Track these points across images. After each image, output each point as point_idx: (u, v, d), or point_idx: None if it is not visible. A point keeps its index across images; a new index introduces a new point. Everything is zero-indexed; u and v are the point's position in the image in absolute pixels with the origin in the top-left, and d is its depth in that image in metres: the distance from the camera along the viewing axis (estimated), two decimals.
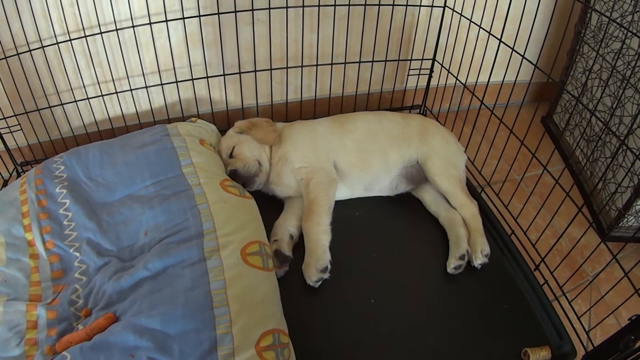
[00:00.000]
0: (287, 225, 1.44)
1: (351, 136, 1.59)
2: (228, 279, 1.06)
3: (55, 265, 1.21)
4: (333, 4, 1.72)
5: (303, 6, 1.72)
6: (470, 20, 1.67)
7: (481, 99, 1.63)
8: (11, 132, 1.64)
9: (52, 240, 1.24)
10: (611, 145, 1.69)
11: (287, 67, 1.84)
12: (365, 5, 1.75)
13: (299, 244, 1.41)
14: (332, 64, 1.87)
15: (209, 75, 1.77)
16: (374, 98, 2.09)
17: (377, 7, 1.79)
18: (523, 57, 1.43)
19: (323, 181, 1.47)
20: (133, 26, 1.58)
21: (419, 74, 2.03)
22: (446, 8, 1.85)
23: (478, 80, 1.68)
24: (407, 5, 1.83)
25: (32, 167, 1.52)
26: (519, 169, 1.84)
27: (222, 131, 1.72)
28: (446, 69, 1.89)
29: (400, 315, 1.27)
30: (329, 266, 1.32)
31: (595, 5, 1.83)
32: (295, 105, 2.01)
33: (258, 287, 1.09)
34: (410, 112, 2.11)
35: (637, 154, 1.50)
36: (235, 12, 1.62)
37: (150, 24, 1.58)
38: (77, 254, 1.22)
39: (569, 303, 1.31)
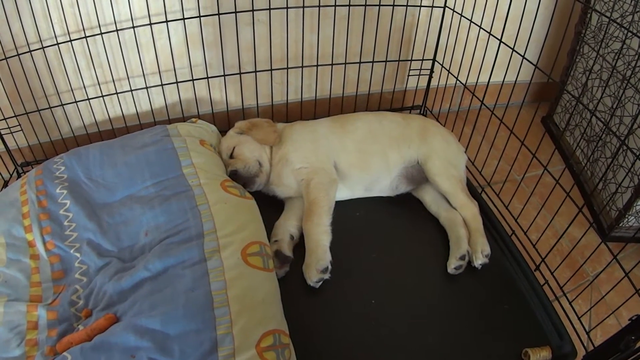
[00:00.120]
0: (287, 225, 1.44)
1: (351, 137, 1.59)
2: (228, 279, 1.06)
3: (56, 265, 1.21)
4: (333, 4, 1.72)
5: (303, 7, 1.72)
6: (471, 21, 1.67)
7: (481, 100, 1.63)
8: (11, 132, 1.64)
9: (53, 241, 1.24)
10: (611, 145, 1.69)
11: (287, 68, 1.84)
12: (365, 5, 1.75)
13: (300, 245, 1.41)
14: (332, 64, 1.87)
15: (209, 76, 1.77)
16: (374, 98, 2.09)
17: (378, 7, 1.79)
18: (523, 57, 1.43)
19: (323, 182, 1.47)
20: (133, 27, 1.58)
21: (419, 75, 2.03)
22: (446, 8, 1.85)
23: (478, 81, 1.68)
24: (407, 5, 1.83)
25: (32, 168, 1.53)
26: (520, 169, 1.84)
27: (223, 132, 1.72)
28: (446, 69, 1.89)
29: (401, 316, 1.27)
30: (330, 267, 1.32)
31: (596, 5, 1.83)
32: (296, 105, 2.01)
33: (258, 287, 1.09)
34: (410, 113, 2.11)
35: (638, 154, 1.50)
36: (236, 12, 1.62)
37: (150, 24, 1.58)
38: (78, 255, 1.22)
39: (570, 303, 1.31)
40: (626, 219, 1.57)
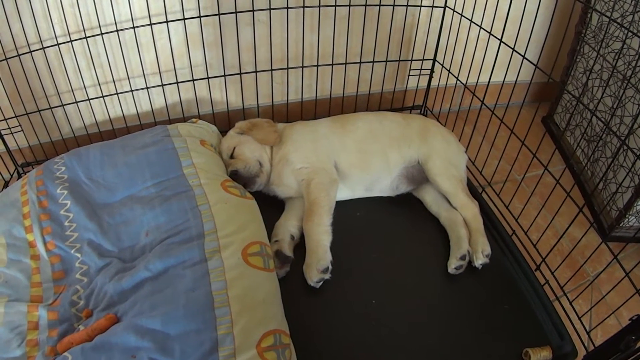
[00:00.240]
0: (288, 225, 1.44)
1: (352, 136, 1.60)
2: (229, 279, 1.06)
3: (56, 266, 1.21)
4: (334, 4, 1.72)
5: (304, 7, 1.72)
6: (471, 21, 1.67)
7: (482, 100, 1.63)
8: (12, 133, 1.65)
9: (53, 241, 1.24)
10: (612, 145, 1.69)
11: (287, 68, 1.84)
12: (365, 5, 1.75)
13: (300, 245, 1.41)
14: (332, 64, 1.87)
15: (209, 76, 1.77)
16: (375, 98, 2.09)
17: (378, 7, 1.79)
18: (524, 57, 1.43)
19: (324, 182, 1.47)
20: (134, 27, 1.58)
21: (419, 75, 2.03)
22: (447, 8, 1.85)
23: (479, 81, 1.67)
24: (407, 5, 1.83)
25: (33, 168, 1.53)
26: (520, 169, 1.84)
27: (223, 132, 1.72)
28: (447, 69, 1.89)
29: (401, 316, 1.27)
30: (330, 267, 1.32)
31: (596, 5, 1.83)
32: (296, 105, 2.01)
33: (259, 287, 1.09)
34: (411, 113, 2.11)
35: (638, 154, 1.50)
36: (236, 12, 1.62)
37: (150, 24, 1.58)
38: (78, 255, 1.22)
39: (570, 303, 1.31)
40: (626, 219, 1.57)
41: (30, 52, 1.53)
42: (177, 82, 1.74)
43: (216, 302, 1.01)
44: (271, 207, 1.52)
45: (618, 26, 1.68)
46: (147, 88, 1.73)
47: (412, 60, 2.01)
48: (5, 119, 1.62)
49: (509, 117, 1.55)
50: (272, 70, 1.82)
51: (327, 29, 1.81)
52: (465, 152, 1.69)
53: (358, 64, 1.92)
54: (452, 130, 1.77)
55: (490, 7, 1.58)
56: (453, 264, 1.37)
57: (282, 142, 1.58)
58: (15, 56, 1.51)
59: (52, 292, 1.17)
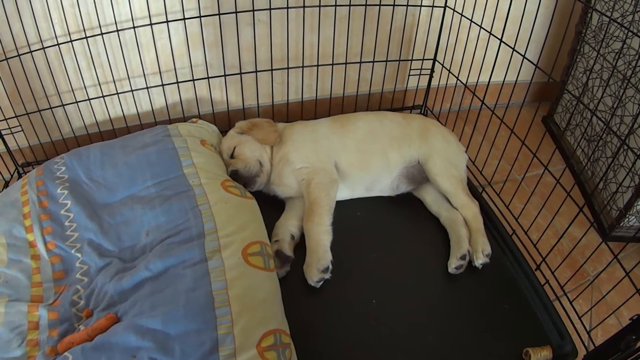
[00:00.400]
0: (288, 225, 1.44)
1: (352, 136, 1.60)
2: (229, 279, 1.06)
3: (57, 266, 1.21)
4: (334, 4, 1.72)
5: (304, 7, 1.72)
6: (471, 21, 1.67)
7: (482, 99, 1.63)
8: (12, 133, 1.65)
9: (54, 241, 1.24)
10: (612, 145, 1.69)
11: (288, 68, 1.84)
12: (365, 5, 1.75)
13: (300, 244, 1.41)
14: (332, 64, 1.87)
15: (209, 76, 1.77)
16: (375, 98, 2.09)
17: (378, 7, 1.79)
18: (524, 57, 1.43)
19: (324, 181, 1.47)
20: (134, 27, 1.58)
21: (419, 74, 2.03)
22: (447, 8, 1.85)
23: (479, 81, 1.67)
24: (407, 5, 1.83)
25: (33, 168, 1.53)
26: (520, 169, 1.84)
27: (223, 132, 1.72)
28: (447, 69, 1.89)
29: (401, 315, 1.27)
30: (330, 266, 1.32)
31: (596, 5, 1.83)
32: (296, 105, 2.01)
33: (259, 287, 1.09)
34: (411, 113, 2.11)
35: (638, 153, 1.50)
36: (236, 12, 1.62)
37: (151, 24, 1.58)
38: (79, 255, 1.22)
39: (570, 303, 1.31)
40: (627, 219, 1.57)
41: (31, 52, 1.53)
42: (178, 82, 1.74)
43: (216, 301, 1.01)
44: (271, 206, 1.52)
45: (618, 26, 1.68)
46: (147, 88, 1.73)
47: (412, 60, 2.01)
48: (5, 119, 1.62)
49: (509, 117, 1.55)
50: (272, 70, 1.82)
51: (328, 28, 1.81)
52: (466, 151, 1.69)
53: (358, 64, 1.92)
54: (452, 130, 1.77)
55: (491, 7, 1.58)
56: (453, 264, 1.37)
57: (282, 142, 1.58)
58: (16, 56, 1.51)
59: (53, 292, 1.17)
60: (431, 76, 2.03)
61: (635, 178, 1.54)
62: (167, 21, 1.58)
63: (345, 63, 1.89)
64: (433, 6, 1.88)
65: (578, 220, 1.30)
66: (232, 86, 1.86)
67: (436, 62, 1.99)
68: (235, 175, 1.46)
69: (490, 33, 1.58)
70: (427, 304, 1.32)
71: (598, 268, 1.56)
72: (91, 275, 1.18)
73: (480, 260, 1.37)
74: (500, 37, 1.51)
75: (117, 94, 1.71)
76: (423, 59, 2.00)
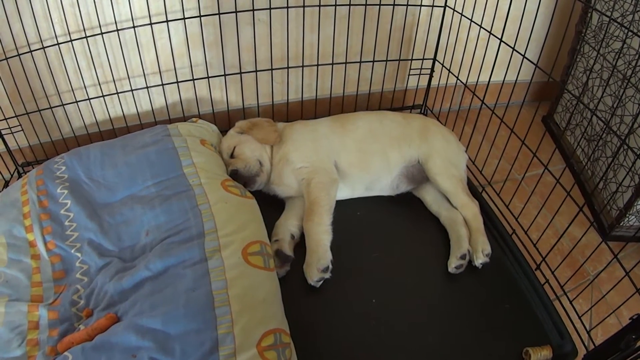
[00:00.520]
0: (288, 225, 1.44)
1: (352, 136, 1.60)
2: (229, 279, 1.06)
3: (57, 265, 1.21)
4: (334, 4, 1.72)
5: (304, 6, 1.72)
6: (471, 20, 1.67)
7: (482, 99, 1.63)
8: (12, 132, 1.65)
9: (54, 241, 1.24)
10: (612, 144, 1.69)
11: (287, 67, 1.84)
12: (365, 5, 1.75)
13: (300, 244, 1.41)
14: (332, 63, 1.87)
15: (209, 76, 1.77)
16: (375, 98, 2.09)
17: (378, 7, 1.79)
18: (524, 56, 1.43)
19: (324, 181, 1.47)
20: (134, 27, 1.58)
21: (419, 74, 2.03)
22: (447, 8, 1.85)
23: (479, 80, 1.67)
24: (407, 5, 1.83)
25: (33, 168, 1.53)
26: (520, 168, 1.84)
27: (223, 131, 1.72)
28: (447, 68, 1.89)
29: (401, 315, 1.27)
30: (330, 266, 1.32)
31: (596, 4, 1.83)
32: (296, 105, 2.01)
33: (259, 287, 1.09)
34: (411, 112, 2.11)
35: (638, 153, 1.50)
36: (236, 12, 1.62)
37: (151, 24, 1.58)
38: (79, 255, 1.22)
39: (570, 302, 1.31)
40: (627, 218, 1.57)
41: (31, 51, 1.53)
42: (177, 82, 1.74)
43: (216, 301, 1.01)
44: (271, 206, 1.52)
45: (618, 26, 1.68)
46: (147, 87, 1.73)
47: (412, 59, 2.01)
48: (5, 119, 1.62)
49: (509, 117, 1.55)
50: (272, 69, 1.82)
51: (327, 28, 1.81)
52: (466, 151, 1.69)
53: (358, 64, 1.92)
54: (452, 130, 1.76)
55: (491, 7, 1.58)
56: (453, 263, 1.37)
57: (282, 141, 1.58)
58: (16, 56, 1.51)
59: (53, 291, 1.17)
60: (431, 76, 2.03)
61: (635, 178, 1.54)
62: (167, 21, 1.58)
63: (345, 63, 1.89)
64: (433, 6, 1.88)
65: (578, 219, 1.30)
66: (232, 86, 1.86)
67: (436, 62, 1.99)
68: (235, 175, 1.46)
69: (490, 33, 1.58)
70: (427, 303, 1.32)
71: (598, 268, 1.56)
72: (91, 275, 1.18)
73: (480, 260, 1.37)
74: (500, 37, 1.51)
75: (117, 93, 1.71)
76: (423, 59, 2.00)
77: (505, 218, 1.57)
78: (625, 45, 1.65)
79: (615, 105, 1.68)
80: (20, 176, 1.73)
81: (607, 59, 1.75)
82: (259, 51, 1.77)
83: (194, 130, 1.54)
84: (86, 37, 1.56)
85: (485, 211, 1.55)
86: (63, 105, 1.67)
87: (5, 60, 1.51)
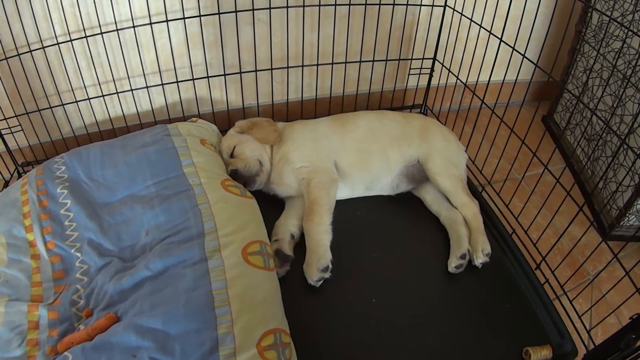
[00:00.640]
0: (288, 224, 1.44)
1: (352, 136, 1.59)
2: (229, 278, 1.06)
3: (57, 265, 1.21)
4: (333, 3, 1.72)
5: (304, 6, 1.72)
6: (471, 20, 1.67)
7: (482, 98, 1.63)
8: (12, 132, 1.64)
9: (53, 241, 1.24)
10: (612, 144, 1.69)
11: (287, 67, 1.84)
12: (365, 4, 1.75)
13: (300, 244, 1.41)
14: (332, 63, 1.86)
15: (209, 75, 1.77)
16: (375, 97, 2.09)
17: (378, 6, 1.79)
18: (524, 56, 1.43)
19: (324, 181, 1.47)
20: (134, 26, 1.58)
21: (419, 74, 2.03)
22: (447, 7, 1.85)
23: (479, 80, 1.67)
24: (407, 4, 1.83)
25: (33, 168, 1.53)
26: (520, 168, 1.84)
27: (223, 131, 1.72)
28: (447, 68, 1.89)
29: (401, 315, 1.27)
30: (330, 266, 1.32)
31: (596, 4, 1.83)
32: (296, 104, 2.01)
33: (259, 286, 1.09)
34: (411, 112, 2.10)
35: (638, 153, 1.50)
36: (236, 12, 1.62)
37: (150, 24, 1.58)
38: (78, 255, 1.22)
39: (570, 302, 1.31)
40: (627, 218, 1.57)
41: (31, 51, 1.53)
42: (177, 82, 1.74)
43: (216, 301, 1.01)
44: (271, 206, 1.52)
45: (618, 25, 1.68)
46: (147, 87, 1.73)
47: (412, 59, 2.01)
48: (5, 119, 1.62)
49: (509, 116, 1.55)
50: (272, 69, 1.82)
51: (327, 27, 1.81)
52: (465, 151, 1.69)
53: (358, 63, 1.92)
54: (452, 129, 1.76)
55: (490, 6, 1.58)
56: (453, 263, 1.37)
57: (282, 141, 1.58)
58: (16, 55, 1.51)
59: (53, 291, 1.17)
60: (431, 75, 2.03)
61: (635, 177, 1.54)
62: (167, 20, 1.58)
63: (345, 62, 1.88)
64: (433, 5, 1.88)
65: (578, 219, 1.30)
66: (231, 85, 1.86)
67: (436, 61, 1.99)
68: (235, 175, 1.46)
69: (490, 32, 1.58)
70: (427, 303, 1.32)
71: (598, 267, 1.56)
72: (91, 274, 1.18)
73: (480, 260, 1.38)
74: (500, 37, 1.51)
75: (117, 93, 1.71)
76: (423, 58, 1.99)
77: (505, 218, 1.57)
78: (625, 45, 1.65)
79: (615, 105, 1.68)
80: (20, 176, 1.73)
81: (607, 58, 1.75)
82: (259, 51, 1.77)
83: (193, 130, 1.54)
84: (86, 37, 1.56)
85: (485, 211, 1.55)
86: (63, 105, 1.67)
87: (5, 60, 1.51)
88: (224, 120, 1.91)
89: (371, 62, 1.92)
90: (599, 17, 1.83)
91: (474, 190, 1.62)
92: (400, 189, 1.62)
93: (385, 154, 1.58)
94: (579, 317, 1.30)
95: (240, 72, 1.78)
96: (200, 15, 1.61)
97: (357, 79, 1.96)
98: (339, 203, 1.51)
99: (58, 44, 1.55)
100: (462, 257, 1.37)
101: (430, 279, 1.39)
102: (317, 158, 1.53)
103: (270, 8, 1.66)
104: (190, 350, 0.94)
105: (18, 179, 1.64)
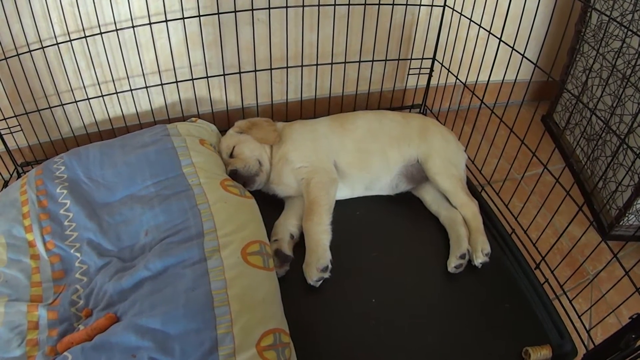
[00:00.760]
0: (287, 224, 1.44)
1: (351, 135, 1.59)
2: (229, 278, 1.06)
3: (56, 265, 1.21)
4: (333, 3, 1.72)
5: (303, 6, 1.72)
6: (470, 20, 1.67)
7: (481, 98, 1.63)
8: (11, 132, 1.64)
9: (53, 241, 1.24)
10: (611, 144, 1.69)
11: (287, 67, 1.84)
12: (365, 4, 1.75)
13: (300, 244, 1.41)
14: (332, 63, 1.86)
15: (209, 75, 1.77)
16: (374, 97, 2.09)
17: (377, 6, 1.79)
18: (523, 56, 1.43)
19: (323, 181, 1.47)
20: (133, 26, 1.58)
21: (419, 73, 2.03)
22: (446, 7, 1.85)
23: (478, 80, 1.67)
24: (407, 4, 1.83)
25: (32, 168, 1.53)
26: (520, 168, 1.84)
27: (223, 131, 1.72)
28: (446, 68, 1.89)
29: (401, 315, 1.27)
30: (330, 265, 1.32)
31: (595, 4, 1.83)
32: (296, 104, 2.01)
33: (259, 286, 1.09)
34: (410, 112, 2.11)
35: (638, 152, 1.50)
36: (235, 12, 1.62)
37: (150, 24, 1.58)
38: (78, 255, 1.22)
39: (570, 302, 1.31)
40: (626, 218, 1.57)
41: (30, 51, 1.53)
42: (177, 82, 1.74)
43: (216, 301, 1.01)
44: (271, 206, 1.51)
45: (617, 25, 1.68)
46: (146, 87, 1.73)
47: (411, 59, 2.01)
48: (4, 119, 1.62)
49: (508, 116, 1.55)
50: (271, 69, 1.82)
51: (327, 27, 1.81)
52: (465, 151, 1.69)
53: (357, 63, 1.92)
54: (452, 129, 1.76)
55: (490, 6, 1.58)
56: (453, 263, 1.37)
57: (281, 141, 1.58)
58: (15, 56, 1.51)
59: (52, 291, 1.17)
60: (430, 75, 2.03)
61: (635, 177, 1.54)
62: (166, 20, 1.58)
63: (345, 62, 1.88)
64: (432, 5, 1.88)
65: (577, 219, 1.30)
66: (231, 85, 1.86)
67: (435, 61, 1.99)
68: (234, 175, 1.46)
69: (489, 32, 1.58)
70: (426, 303, 1.32)
71: (597, 267, 1.56)
72: (90, 274, 1.18)
73: (479, 260, 1.38)
74: (499, 36, 1.51)
75: (116, 93, 1.71)
76: (422, 58, 1.99)
77: (505, 217, 1.57)
78: (624, 45, 1.65)
79: (614, 105, 1.68)
80: (19, 176, 1.73)
81: (606, 58, 1.75)
82: (258, 51, 1.77)
83: (193, 130, 1.54)
84: (85, 37, 1.56)
85: (485, 211, 1.55)
86: (62, 105, 1.67)
87: (5, 61, 1.51)
88: (223, 120, 1.91)
89: (370, 62, 1.92)
90: (599, 17, 1.83)
91: (473, 190, 1.62)
92: (399, 188, 1.62)
93: (384, 153, 1.58)
94: (579, 317, 1.30)
95: (240, 72, 1.78)
96: (199, 15, 1.61)
97: (356, 79, 1.96)
98: (339, 203, 1.51)
99: (57, 44, 1.55)
100: (462, 257, 1.37)
101: (430, 279, 1.39)
102: (316, 158, 1.53)
103: (269, 8, 1.66)
104: (190, 350, 0.94)
105: (17, 179, 1.64)
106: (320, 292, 1.31)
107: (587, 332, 1.26)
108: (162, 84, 1.73)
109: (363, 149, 1.58)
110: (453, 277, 1.38)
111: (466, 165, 1.66)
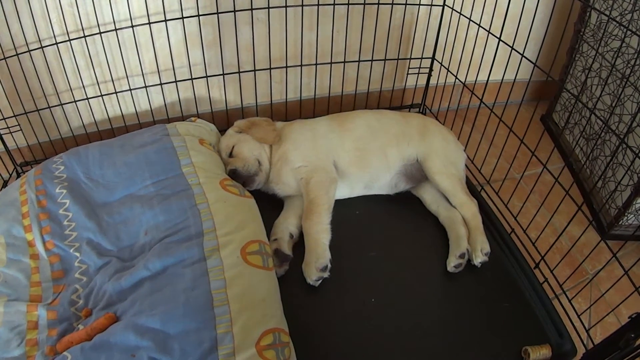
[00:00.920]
0: (287, 224, 1.44)
1: (351, 135, 1.59)
2: (228, 278, 1.06)
3: (56, 265, 1.21)
4: (332, 3, 1.72)
5: (302, 5, 1.71)
6: (470, 19, 1.67)
7: (481, 98, 1.63)
8: (11, 132, 1.64)
9: (52, 241, 1.24)
10: (611, 143, 1.69)
11: (286, 67, 1.84)
12: (364, 4, 1.75)
13: (299, 243, 1.41)
14: (331, 62, 1.86)
15: (208, 75, 1.77)
16: (374, 97, 2.09)
17: (377, 5, 1.79)
18: (522, 55, 1.43)
19: (323, 180, 1.47)
20: (132, 26, 1.58)
21: (418, 73, 2.03)
22: (445, 7, 1.85)
23: (477, 79, 1.67)
24: (406, 4, 1.83)
25: (31, 168, 1.52)
26: (519, 167, 1.84)
27: (222, 131, 1.72)
28: (445, 67, 1.89)
29: (401, 314, 1.27)
30: (329, 265, 1.32)
31: (595, 3, 1.83)
32: (295, 104, 2.01)
33: (258, 286, 1.09)
34: (409, 111, 2.11)
35: (637, 152, 1.50)
36: (235, 11, 1.62)
37: (149, 23, 1.58)
38: (77, 254, 1.22)
39: (569, 301, 1.31)
40: (625, 217, 1.57)
41: (29, 51, 1.53)
42: (176, 81, 1.74)
43: (215, 300, 1.01)
44: (270, 205, 1.51)
45: (617, 24, 1.68)
46: (145, 87, 1.73)
47: (411, 58, 2.01)
48: (4, 119, 1.62)
49: (507, 116, 1.55)
50: (270, 69, 1.82)
51: (326, 27, 1.81)
52: (464, 150, 1.69)
53: (357, 63, 1.92)
54: (451, 129, 1.76)
55: (489, 5, 1.58)
56: (452, 262, 1.37)
57: (281, 140, 1.58)
58: (14, 55, 1.51)
59: (52, 291, 1.17)
60: (430, 75, 2.03)
61: (634, 176, 1.54)
62: (166, 20, 1.58)
63: (344, 62, 1.88)
64: (432, 4, 1.88)
65: (577, 218, 1.30)
66: (230, 85, 1.86)
67: (435, 61, 1.99)
68: (233, 174, 1.46)
69: (489, 32, 1.58)
70: (426, 302, 1.32)
71: (597, 266, 1.56)
72: (90, 274, 1.18)
73: (479, 259, 1.38)
74: (498, 36, 1.51)
75: (116, 93, 1.71)
76: (422, 58, 1.99)
77: (504, 217, 1.57)
78: (624, 44, 1.65)
79: (614, 104, 1.68)
80: (19, 176, 1.73)
81: (605, 57, 1.76)
82: (258, 50, 1.77)
83: (192, 130, 1.54)
84: (84, 36, 1.56)
85: (484, 210, 1.55)
86: (61, 105, 1.67)
87: (4, 60, 1.51)
88: (223, 119, 1.91)
89: (370, 62, 1.92)
90: (598, 17, 1.83)
91: (472, 190, 1.62)
92: (399, 188, 1.62)
93: (384, 153, 1.58)
94: (578, 316, 1.30)
95: (239, 72, 1.78)
96: (199, 15, 1.61)
97: (355, 79, 1.96)
98: (338, 202, 1.51)
99: (57, 43, 1.55)
100: (461, 256, 1.37)
101: (430, 278, 1.39)
102: (315, 157, 1.53)
103: (269, 8, 1.66)
104: (190, 350, 0.94)
105: (17, 178, 1.64)
106: (319, 292, 1.31)
107: (587, 331, 1.26)
108: (161, 84, 1.73)
109: (362, 148, 1.58)
110: (452, 276, 1.38)
111: (465, 165, 1.66)
